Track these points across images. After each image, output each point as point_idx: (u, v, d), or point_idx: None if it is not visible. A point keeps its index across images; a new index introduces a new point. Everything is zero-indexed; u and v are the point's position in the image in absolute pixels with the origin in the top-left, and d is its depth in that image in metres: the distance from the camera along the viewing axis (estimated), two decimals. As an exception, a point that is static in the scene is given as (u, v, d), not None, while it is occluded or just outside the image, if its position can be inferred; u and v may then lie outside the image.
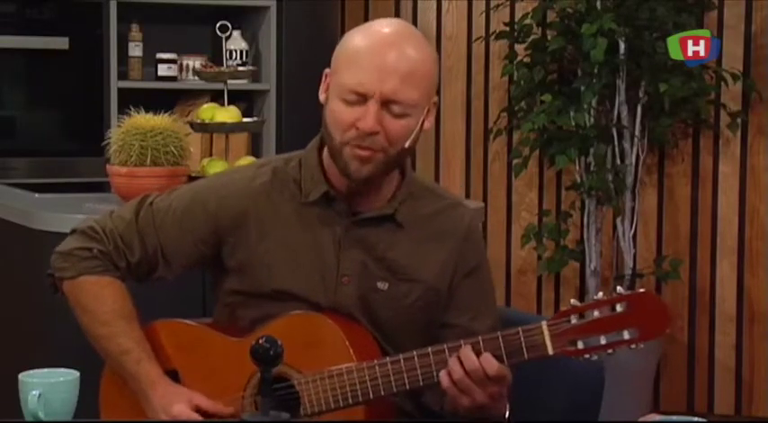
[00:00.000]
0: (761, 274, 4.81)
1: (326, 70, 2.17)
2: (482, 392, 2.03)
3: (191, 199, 2.24)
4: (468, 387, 2.03)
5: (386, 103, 2.07)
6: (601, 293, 2.02)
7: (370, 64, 2.07)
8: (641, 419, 1.89)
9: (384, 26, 2.14)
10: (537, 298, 5.12)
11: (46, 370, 2.06)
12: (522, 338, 2.01)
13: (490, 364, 2.01)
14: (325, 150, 2.19)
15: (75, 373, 2.05)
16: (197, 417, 2.10)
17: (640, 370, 4.55)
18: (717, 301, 4.89)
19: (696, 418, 1.86)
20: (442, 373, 2.03)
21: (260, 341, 1.73)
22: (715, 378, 4.91)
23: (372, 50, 2.08)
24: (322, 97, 2.17)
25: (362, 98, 2.07)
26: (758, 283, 4.82)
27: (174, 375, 2.18)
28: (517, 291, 5.12)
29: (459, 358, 2.02)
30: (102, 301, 2.19)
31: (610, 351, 1.99)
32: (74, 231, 2.27)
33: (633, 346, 1.98)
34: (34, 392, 1.99)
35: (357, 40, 2.12)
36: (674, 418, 1.89)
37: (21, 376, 2.03)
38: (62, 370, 2.06)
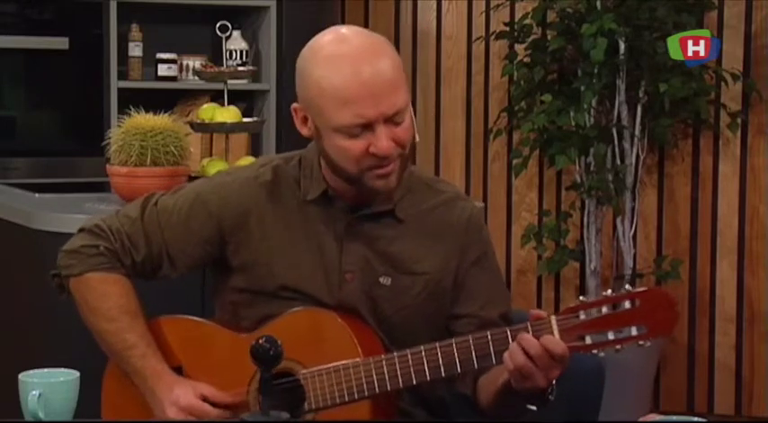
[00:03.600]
0: (761, 274, 4.81)
1: (295, 105, 2.15)
2: (544, 377, 2.01)
3: (194, 199, 2.25)
4: (531, 372, 2.00)
5: (388, 119, 2.07)
6: (611, 291, 2.02)
7: (359, 94, 2.04)
8: (641, 419, 1.90)
9: (336, 45, 2.09)
10: (537, 298, 5.11)
11: (46, 370, 2.06)
12: (531, 333, 2.01)
13: (555, 344, 1.98)
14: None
15: (76, 373, 2.05)
16: (203, 405, 2.11)
17: (640, 370, 4.55)
18: (717, 301, 4.89)
19: (696, 418, 1.87)
20: (506, 358, 2.01)
21: (260, 341, 1.73)
22: (715, 378, 4.91)
23: (352, 81, 2.04)
24: (305, 132, 2.16)
25: (366, 126, 2.06)
26: (758, 283, 4.82)
27: (178, 371, 2.19)
28: (517, 291, 5.12)
29: (520, 344, 1.99)
30: (108, 297, 2.20)
31: (618, 347, 1.98)
32: (81, 230, 2.28)
33: (641, 342, 1.98)
34: (34, 392, 1.99)
35: (325, 75, 2.06)
36: (674, 418, 1.90)
37: (21, 376, 2.03)
38: (62, 370, 2.06)
